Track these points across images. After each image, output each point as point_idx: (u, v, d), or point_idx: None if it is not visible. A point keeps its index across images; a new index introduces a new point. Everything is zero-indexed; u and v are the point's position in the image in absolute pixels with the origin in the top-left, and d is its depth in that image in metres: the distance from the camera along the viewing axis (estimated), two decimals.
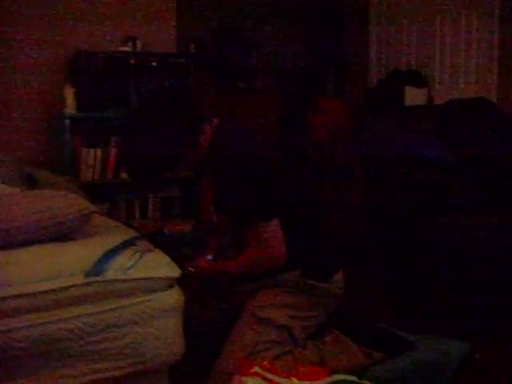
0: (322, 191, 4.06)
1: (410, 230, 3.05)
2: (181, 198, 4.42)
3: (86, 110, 4.00)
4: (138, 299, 1.79)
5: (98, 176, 4.07)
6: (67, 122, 3.91)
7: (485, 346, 2.38)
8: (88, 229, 1.98)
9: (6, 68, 4.07)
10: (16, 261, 1.73)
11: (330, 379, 1.23)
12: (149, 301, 1.80)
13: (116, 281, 1.76)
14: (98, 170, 4.07)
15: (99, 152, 4.06)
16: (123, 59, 4.12)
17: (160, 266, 1.87)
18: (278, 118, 4.45)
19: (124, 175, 4.10)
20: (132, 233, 2.15)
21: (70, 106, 3.97)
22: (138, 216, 4.32)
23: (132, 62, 4.13)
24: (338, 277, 2.08)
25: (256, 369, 1.23)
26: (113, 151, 4.07)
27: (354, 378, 1.22)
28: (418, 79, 4.66)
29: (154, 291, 1.82)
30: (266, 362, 1.27)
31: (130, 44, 4.26)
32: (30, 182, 2.94)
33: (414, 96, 4.51)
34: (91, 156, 4.04)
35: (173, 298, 1.85)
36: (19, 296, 1.65)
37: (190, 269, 2.10)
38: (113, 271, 1.76)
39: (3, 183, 2.47)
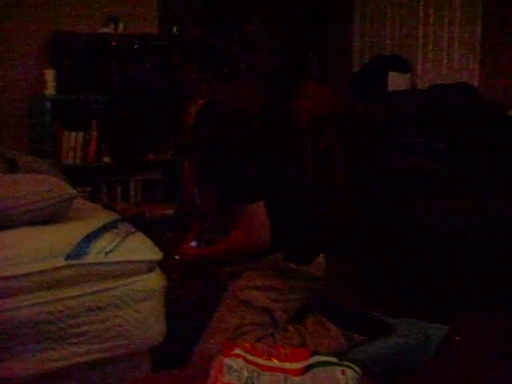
0: (304, 173, 4.07)
1: (392, 214, 3.07)
2: (163, 181, 4.40)
3: (66, 93, 3.95)
4: (119, 282, 1.78)
5: (79, 159, 4.04)
6: (48, 104, 3.87)
7: (464, 329, 2.43)
8: (69, 212, 1.96)
9: None
10: None
11: (310, 360, 1.24)
12: (130, 284, 1.79)
13: (97, 264, 1.75)
14: (79, 153, 4.03)
15: (80, 135, 4.02)
16: (105, 41, 4.07)
17: (141, 248, 1.86)
18: (261, 101, 4.44)
19: (106, 158, 4.08)
20: (113, 216, 2.13)
21: (51, 88, 3.93)
22: (119, 200, 4.29)
23: (113, 43, 4.08)
24: (320, 260, 2.09)
25: (237, 350, 1.23)
26: (94, 134, 4.03)
27: (334, 359, 1.23)
28: (401, 64, 4.68)
29: (135, 274, 1.81)
30: (247, 344, 1.27)
31: (111, 25, 4.21)
32: (11, 166, 2.91)
33: (397, 81, 4.53)
34: (72, 139, 4.00)
35: (154, 280, 1.85)
36: None
37: (175, 257, 2.09)
38: (94, 254, 1.75)
39: None
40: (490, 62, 4.13)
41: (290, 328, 2.00)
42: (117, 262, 1.78)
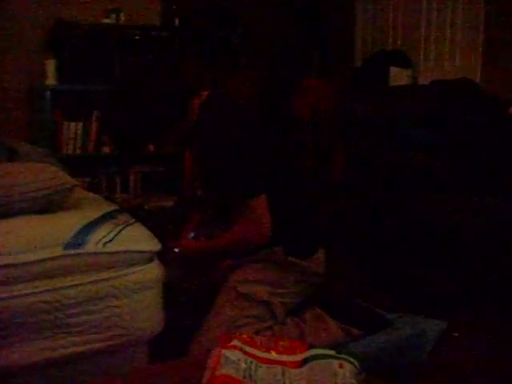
0: (304, 168, 4.06)
1: (394, 210, 3.06)
2: (162, 173, 4.40)
3: (67, 83, 3.94)
4: (118, 272, 1.78)
5: (79, 150, 4.04)
6: (48, 94, 3.86)
7: (463, 326, 2.43)
8: (68, 202, 1.96)
9: None
10: None
11: (308, 353, 1.23)
12: (128, 274, 1.79)
13: (95, 254, 1.74)
14: (79, 143, 4.03)
15: (80, 126, 4.02)
16: (106, 31, 4.06)
17: (140, 239, 1.86)
18: (262, 95, 4.42)
19: (106, 149, 4.07)
20: (112, 206, 2.13)
21: (51, 78, 3.92)
22: (118, 191, 4.29)
23: (115, 34, 4.06)
24: (319, 254, 2.08)
25: (235, 342, 1.22)
26: (94, 125, 4.03)
27: (332, 353, 1.23)
28: (402, 59, 4.66)
29: (134, 265, 1.81)
30: (245, 336, 1.26)
31: (113, 16, 4.19)
32: (11, 155, 2.90)
33: (398, 76, 4.51)
34: (72, 129, 4.00)
35: (152, 271, 1.84)
36: None
37: (175, 250, 2.09)
38: (92, 244, 1.74)
39: None
40: (491, 58, 4.11)
41: (289, 321, 2.00)
42: (115, 252, 1.78)
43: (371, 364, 1.43)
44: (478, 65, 4.18)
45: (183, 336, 1.91)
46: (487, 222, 2.83)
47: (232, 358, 1.18)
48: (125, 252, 1.79)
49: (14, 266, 1.64)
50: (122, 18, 4.22)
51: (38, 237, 1.72)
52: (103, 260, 1.76)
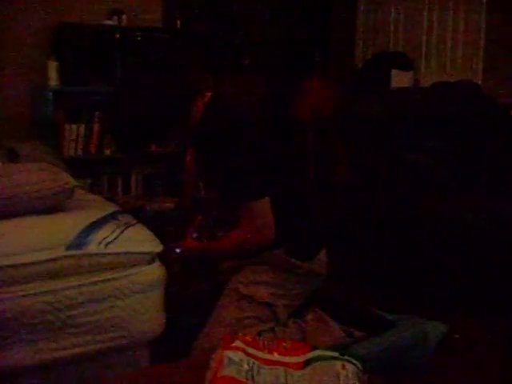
0: (306, 169, 4.06)
1: (397, 212, 3.06)
2: (164, 174, 4.40)
3: (69, 84, 3.94)
4: (119, 273, 1.78)
5: (80, 151, 4.03)
6: (50, 95, 3.85)
7: (464, 327, 2.43)
8: (70, 202, 1.96)
9: None
10: None
11: (311, 354, 1.23)
12: (130, 275, 1.79)
13: (97, 254, 1.75)
14: (81, 145, 4.02)
15: (82, 127, 4.01)
16: (108, 33, 4.06)
17: (142, 240, 1.86)
18: (264, 96, 4.42)
19: (107, 151, 4.07)
20: (114, 207, 2.13)
21: (54, 79, 3.91)
22: (120, 192, 4.29)
23: (117, 36, 4.06)
24: (321, 256, 2.08)
25: (238, 343, 1.22)
26: (96, 126, 4.03)
27: (335, 354, 1.23)
28: (404, 62, 4.66)
29: (136, 265, 1.81)
30: (247, 337, 1.27)
31: (115, 18, 4.19)
32: (12, 156, 2.91)
33: (400, 78, 4.51)
34: (74, 131, 3.99)
35: (154, 272, 1.84)
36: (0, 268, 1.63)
37: (176, 250, 2.08)
38: (94, 245, 1.75)
39: None
40: (493, 59, 4.11)
41: (291, 323, 2.00)
42: (117, 253, 1.78)
43: (373, 365, 1.44)
44: (480, 66, 4.19)
45: (185, 337, 1.91)
46: (489, 224, 2.83)
47: (234, 359, 1.18)
48: (127, 253, 1.79)
49: (16, 266, 1.65)
50: (124, 20, 4.22)
51: (40, 237, 1.72)
52: (105, 261, 1.76)
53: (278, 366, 1.20)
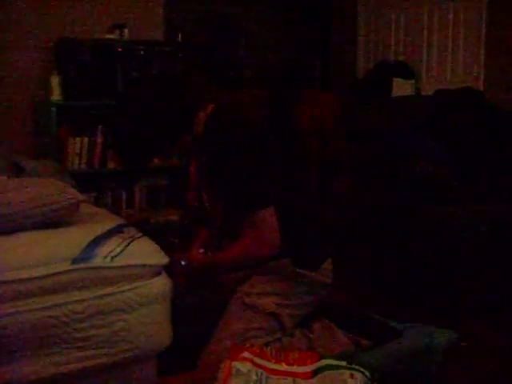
0: (309, 179, 4.06)
1: (398, 220, 3.06)
2: (168, 186, 4.40)
3: (72, 98, 3.96)
4: (126, 286, 1.78)
5: (84, 165, 4.04)
6: (53, 110, 3.87)
7: (470, 335, 2.42)
8: (75, 216, 1.97)
9: None
10: (3, 248, 1.72)
11: (319, 364, 1.23)
12: (136, 288, 1.79)
13: (103, 268, 1.75)
14: (85, 158, 4.04)
15: (86, 141, 4.03)
16: (110, 47, 4.08)
17: (147, 253, 1.86)
18: (266, 108, 4.44)
19: (111, 164, 4.08)
20: (119, 220, 2.13)
21: (56, 93, 3.94)
22: (124, 205, 4.30)
23: (119, 50, 4.09)
24: (327, 265, 2.08)
25: (246, 354, 1.23)
26: (99, 140, 4.04)
27: (343, 363, 1.23)
28: (405, 70, 4.67)
29: (142, 278, 1.81)
30: (255, 348, 1.27)
31: (117, 32, 4.22)
32: (17, 171, 2.92)
33: (401, 87, 4.52)
34: (77, 145, 4.01)
35: (160, 285, 1.84)
36: (6, 282, 1.63)
37: (182, 262, 2.08)
38: (100, 258, 1.75)
39: None
40: (494, 67, 4.12)
41: (297, 333, 1.99)
42: (123, 266, 1.78)
43: (381, 374, 1.43)
44: (481, 74, 4.20)
45: (192, 349, 1.90)
46: (493, 230, 2.83)
47: (242, 369, 1.19)
48: (132, 266, 1.79)
49: (23, 280, 1.65)
50: (126, 34, 4.25)
51: (46, 252, 1.72)
52: (111, 274, 1.76)
53: (286, 377, 1.20)
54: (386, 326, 2.09)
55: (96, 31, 4.23)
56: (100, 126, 4.02)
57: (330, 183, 4.17)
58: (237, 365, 1.19)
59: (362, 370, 1.21)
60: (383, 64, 4.84)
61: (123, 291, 1.78)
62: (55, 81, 3.94)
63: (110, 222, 2.05)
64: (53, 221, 1.86)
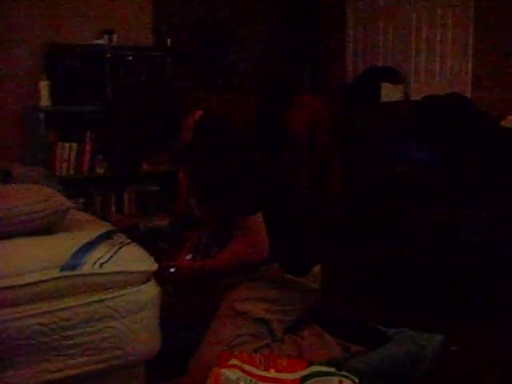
0: (300, 185, 4.07)
1: (387, 226, 3.07)
2: (157, 192, 4.40)
3: (61, 104, 3.95)
4: (114, 293, 1.77)
5: (73, 170, 4.03)
6: (42, 115, 3.86)
7: (462, 339, 2.43)
8: (64, 223, 1.96)
9: None
10: None
11: (308, 371, 1.23)
12: (125, 295, 1.78)
13: (92, 275, 1.74)
14: (73, 164, 4.03)
15: (74, 146, 4.02)
16: (99, 53, 4.08)
17: (136, 259, 1.85)
18: (256, 113, 4.44)
19: (100, 170, 4.07)
20: (108, 227, 2.12)
21: (45, 99, 3.92)
22: (113, 211, 4.28)
23: (108, 55, 4.09)
24: (316, 271, 2.08)
25: (234, 361, 1.22)
26: (88, 146, 4.03)
27: (332, 370, 1.23)
28: (394, 76, 4.70)
29: (130, 285, 1.80)
30: (244, 354, 1.26)
31: (106, 37, 4.22)
32: (5, 177, 2.90)
33: (390, 92, 4.54)
34: (66, 150, 4.00)
35: (149, 291, 1.84)
36: None
37: (171, 270, 2.08)
38: (89, 265, 1.74)
39: None
40: (482, 72, 4.15)
41: (287, 339, 1.99)
42: (112, 273, 1.77)
43: (371, 379, 1.43)
44: (469, 79, 4.23)
45: (181, 355, 1.90)
46: (483, 234, 2.84)
47: (231, 377, 1.18)
48: (122, 272, 1.78)
49: (11, 288, 1.64)
50: (115, 39, 4.25)
51: (34, 258, 1.71)
52: (100, 281, 1.75)
53: (275, 383, 1.20)
54: (376, 330, 2.09)
55: (85, 37, 4.22)
56: (89, 132, 4.01)
57: (320, 187, 4.18)
58: (226, 372, 1.19)
59: (351, 376, 1.21)
60: (372, 69, 4.87)
61: (112, 298, 1.77)
62: (44, 86, 3.92)
63: (98, 228, 2.04)
64: (41, 228, 1.85)
